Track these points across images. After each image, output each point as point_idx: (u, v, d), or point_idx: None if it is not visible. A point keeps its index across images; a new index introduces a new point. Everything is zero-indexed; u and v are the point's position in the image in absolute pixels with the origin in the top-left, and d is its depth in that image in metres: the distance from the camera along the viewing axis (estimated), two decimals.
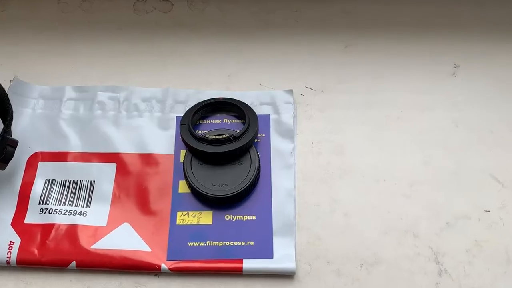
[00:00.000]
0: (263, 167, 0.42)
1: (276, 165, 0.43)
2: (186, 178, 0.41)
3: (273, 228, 0.40)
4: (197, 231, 0.40)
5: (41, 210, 0.41)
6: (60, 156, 0.43)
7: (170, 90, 0.47)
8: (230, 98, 0.45)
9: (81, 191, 0.42)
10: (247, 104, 0.45)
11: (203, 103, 0.44)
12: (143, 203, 0.41)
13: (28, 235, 0.39)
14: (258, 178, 0.42)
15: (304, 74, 0.49)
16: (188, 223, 0.40)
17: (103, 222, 0.40)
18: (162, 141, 0.44)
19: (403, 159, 0.44)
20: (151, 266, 0.38)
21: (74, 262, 0.38)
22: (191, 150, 0.42)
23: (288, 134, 0.44)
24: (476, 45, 0.50)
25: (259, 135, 0.44)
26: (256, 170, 0.41)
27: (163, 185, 0.42)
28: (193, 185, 0.40)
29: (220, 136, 0.41)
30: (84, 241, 0.39)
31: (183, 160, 0.42)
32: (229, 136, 0.41)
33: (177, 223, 0.40)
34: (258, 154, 0.42)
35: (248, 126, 0.42)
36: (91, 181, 0.42)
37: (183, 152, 0.43)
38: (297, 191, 0.42)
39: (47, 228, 0.40)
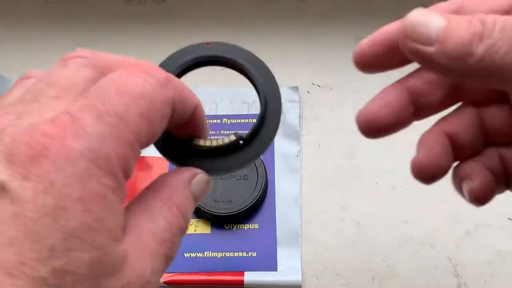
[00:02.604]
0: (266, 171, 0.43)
1: (280, 169, 0.43)
2: None
3: (277, 238, 0.40)
4: (194, 241, 0.40)
5: None
6: None
7: None
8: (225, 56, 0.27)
9: None
10: (264, 70, 0.27)
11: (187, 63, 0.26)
12: None
13: None
14: (266, 193, 0.42)
15: (311, 70, 0.50)
16: None
17: None
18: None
19: None
20: None
21: None
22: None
23: (294, 135, 0.45)
24: None
25: None
26: (263, 185, 0.41)
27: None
28: None
29: (223, 141, 0.24)
30: None
31: None
32: (237, 140, 0.24)
33: None
34: (264, 166, 0.42)
35: (265, 114, 0.25)
36: None
37: None
38: (303, 197, 0.42)
39: None
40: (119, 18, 0.53)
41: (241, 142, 0.24)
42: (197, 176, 0.22)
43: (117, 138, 0.18)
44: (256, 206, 0.41)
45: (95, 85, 0.19)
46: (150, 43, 0.51)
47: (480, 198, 0.25)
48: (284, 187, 0.42)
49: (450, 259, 0.40)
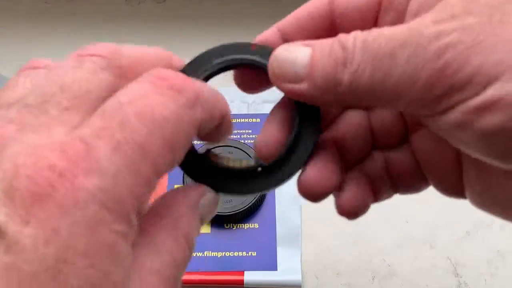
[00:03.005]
0: None
1: None
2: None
3: (277, 238, 0.40)
4: None
5: None
6: None
7: None
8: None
9: None
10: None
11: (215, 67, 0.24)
12: None
13: None
14: (266, 194, 0.42)
15: None
16: None
17: None
18: None
19: None
20: None
21: None
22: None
23: None
24: None
25: None
26: None
27: (156, 190, 0.42)
28: None
29: (240, 164, 0.23)
30: None
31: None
32: (255, 166, 0.23)
33: None
34: None
35: (296, 139, 0.23)
36: None
37: None
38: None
39: None
40: (119, 18, 0.53)
41: (259, 169, 0.22)
42: (205, 196, 0.20)
43: (134, 174, 0.15)
44: (256, 206, 0.41)
45: (113, 99, 0.16)
46: (150, 43, 0.51)
47: (351, 211, 0.23)
48: (284, 187, 0.42)
49: (450, 259, 0.40)
